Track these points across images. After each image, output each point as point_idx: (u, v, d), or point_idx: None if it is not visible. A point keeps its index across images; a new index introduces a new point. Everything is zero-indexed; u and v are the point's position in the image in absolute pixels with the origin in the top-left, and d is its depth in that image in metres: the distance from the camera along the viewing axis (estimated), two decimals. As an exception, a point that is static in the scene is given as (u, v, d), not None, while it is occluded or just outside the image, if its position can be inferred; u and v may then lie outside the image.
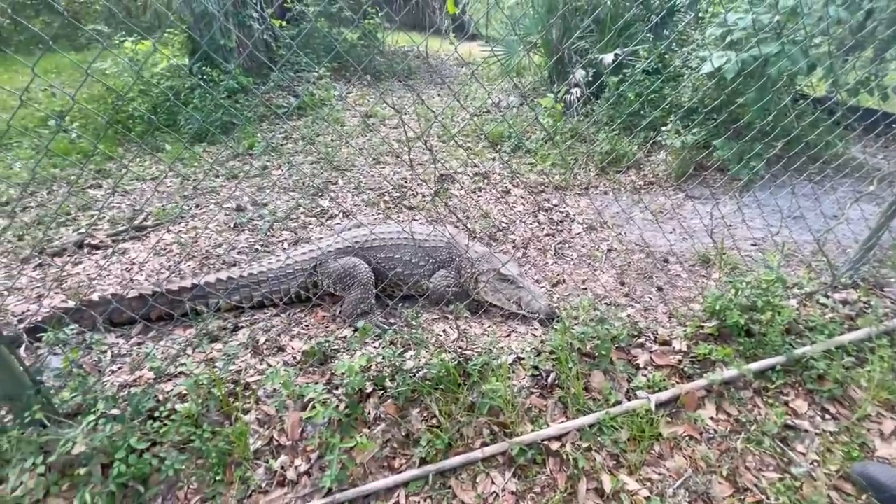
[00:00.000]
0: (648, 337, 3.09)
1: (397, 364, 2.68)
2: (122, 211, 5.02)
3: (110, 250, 4.26)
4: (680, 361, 2.90)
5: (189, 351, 3.07)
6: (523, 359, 2.88)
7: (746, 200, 5.46)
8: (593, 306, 3.54)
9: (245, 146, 6.72)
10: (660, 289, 3.96)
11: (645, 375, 2.79)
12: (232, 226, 4.74)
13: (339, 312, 3.49)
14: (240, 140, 6.88)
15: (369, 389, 2.60)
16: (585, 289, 3.99)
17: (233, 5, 8.07)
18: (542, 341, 3.12)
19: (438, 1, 17.33)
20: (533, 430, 2.47)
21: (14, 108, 6.64)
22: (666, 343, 3.03)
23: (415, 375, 2.67)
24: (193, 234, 4.59)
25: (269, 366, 2.89)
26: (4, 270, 3.92)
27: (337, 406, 2.44)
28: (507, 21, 10.82)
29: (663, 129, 6.05)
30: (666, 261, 4.43)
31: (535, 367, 2.80)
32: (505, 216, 5.19)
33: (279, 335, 3.25)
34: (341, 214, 5.09)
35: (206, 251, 4.31)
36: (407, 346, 2.98)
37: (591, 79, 7.74)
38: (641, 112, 6.74)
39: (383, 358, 2.63)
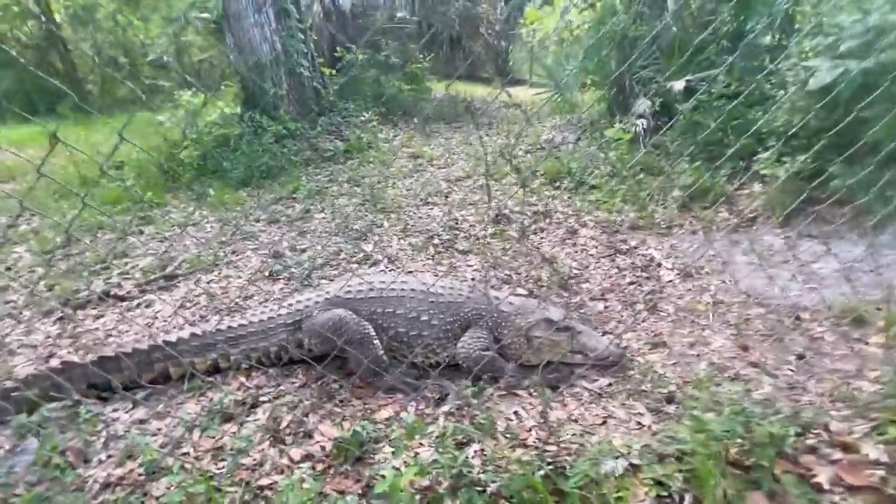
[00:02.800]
0: (819, 436, 2.14)
1: (459, 471, 1.90)
2: (158, 258, 4.70)
3: (135, 302, 3.86)
4: (884, 480, 1.92)
5: (196, 434, 2.44)
6: (638, 466, 2.01)
7: (884, 240, 4.36)
8: (712, 381, 2.64)
9: (289, 189, 6.46)
10: (800, 356, 2.97)
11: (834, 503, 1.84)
12: (267, 274, 4.27)
13: (354, 380, 2.81)
14: (284, 184, 6.65)
15: (422, 511, 1.83)
16: (697, 355, 3.07)
17: (284, 55, 8.20)
18: (655, 435, 2.24)
19: (485, 53, 17.67)
20: None
21: (83, 161, 6.84)
22: (848, 448, 2.06)
23: (485, 490, 1.88)
24: (225, 284, 4.14)
25: (292, 462, 2.20)
26: (24, 325, 3.58)
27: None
28: (555, 58, 10.47)
29: (760, 156, 5.14)
30: (798, 317, 3.43)
31: (660, 483, 1.92)
32: (574, 260, 4.40)
33: (306, 415, 2.57)
34: (386, 260, 4.51)
35: (236, 303, 3.82)
36: (466, 440, 2.21)
37: (657, 109, 7.03)
38: (725, 141, 5.87)
39: (441, 466, 1.86)
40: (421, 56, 10.80)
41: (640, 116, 7.09)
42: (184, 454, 2.30)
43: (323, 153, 7.76)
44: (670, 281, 4.03)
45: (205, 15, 10.69)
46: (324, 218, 5.58)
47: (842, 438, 2.08)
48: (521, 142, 8.55)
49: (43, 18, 15.95)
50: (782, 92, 5.57)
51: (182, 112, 8.52)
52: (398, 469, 1.83)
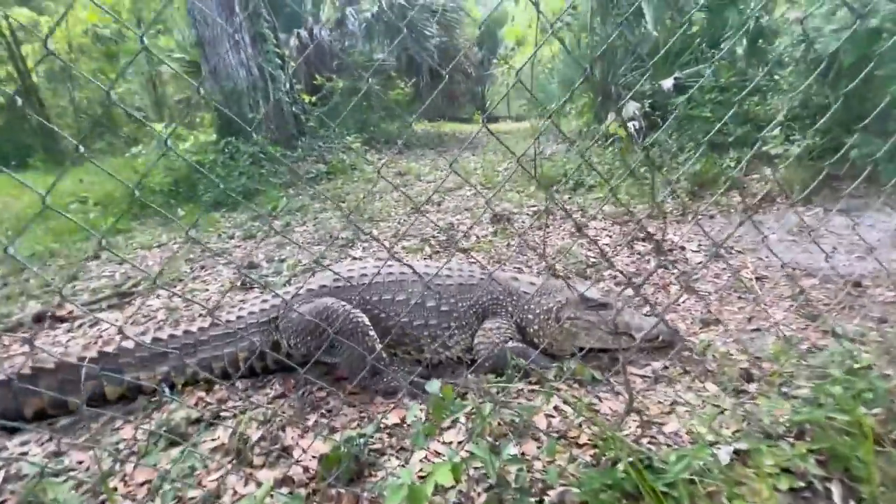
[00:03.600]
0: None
1: (502, 476, 1.30)
2: (113, 279, 4.08)
3: (77, 323, 3.21)
4: None
5: (131, 465, 1.79)
6: (746, 452, 1.45)
7: (918, 208, 4.02)
8: (792, 354, 2.14)
9: (269, 208, 5.95)
10: (883, 320, 2.49)
11: None
12: (239, 284, 3.67)
13: (350, 385, 2.21)
14: (263, 204, 6.16)
15: (454, 539, 1.22)
16: (757, 329, 2.55)
17: (262, 80, 7.95)
18: (744, 419, 1.68)
19: (464, 94, 18.08)
20: None
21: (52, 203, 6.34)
22: None
23: (542, 500, 1.29)
24: (189, 297, 3.52)
25: (251, 480, 1.56)
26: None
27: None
28: (537, 82, 10.52)
29: (768, 136, 4.88)
30: (858, 284, 2.97)
31: (789, 472, 1.35)
32: (590, 250, 3.93)
33: (283, 429, 1.94)
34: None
35: (200, 315, 3.20)
36: (497, 443, 1.61)
37: (648, 109, 6.88)
38: (724, 130, 5.66)
39: (478, 463, 1.25)
40: (402, 84, 10.75)
41: (631, 119, 6.93)
42: (111, 489, 1.64)
43: (304, 175, 7.34)
44: (699, 262, 3.57)
45: (179, 55, 10.55)
46: (305, 231, 5.06)
47: None
48: (504, 158, 8.32)
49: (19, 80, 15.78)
50: (777, 76, 5.42)
51: (154, 143, 8.10)
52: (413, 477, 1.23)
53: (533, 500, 1.24)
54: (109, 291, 3.65)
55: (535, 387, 2.17)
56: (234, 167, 6.94)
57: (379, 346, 2.24)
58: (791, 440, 1.48)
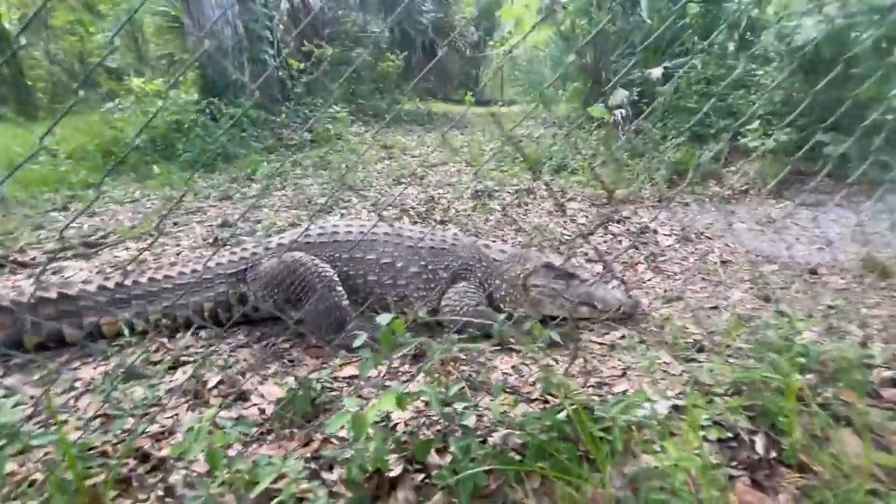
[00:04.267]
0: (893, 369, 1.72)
1: (452, 416, 1.35)
2: (81, 231, 3.98)
3: (40, 269, 3.14)
4: None
5: (86, 401, 1.79)
6: (684, 408, 1.52)
7: (880, 206, 4.17)
8: (743, 329, 2.23)
9: (247, 171, 5.85)
10: (830, 306, 2.60)
11: (944, 439, 1.39)
12: (211, 241, 3.63)
13: (311, 337, 2.24)
14: (242, 167, 6.04)
15: (396, 469, 1.26)
16: (715, 307, 2.65)
17: (248, 41, 7.71)
18: (696, 381, 1.76)
19: (458, 74, 17.81)
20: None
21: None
22: (935, 378, 1.65)
23: (485, 441, 1.34)
24: (159, 252, 3.47)
25: (216, 427, 1.58)
26: None
27: (326, 509, 1.10)
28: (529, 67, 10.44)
29: (747, 130, 4.97)
30: (814, 271, 3.10)
31: (719, 425, 1.43)
32: (566, 229, 3.99)
33: (242, 374, 1.96)
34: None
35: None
36: (461, 391, 1.66)
37: (636, 97, 6.92)
38: (707, 121, 5.75)
39: (424, 404, 1.29)
40: (393, 56, 10.54)
41: (618, 106, 6.96)
42: (62, 422, 1.64)
43: (287, 141, 7.20)
44: (669, 245, 3.66)
45: (163, 7, 10.12)
46: (284, 195, 5.00)
47: (923, 368, 1.67)
48: (492, 138, 8.30)
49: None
50: (762, 72, 5.49)
51: (132, 98, 7.82)
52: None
53: (477, 439, 1.29)
54: (76, 241, 3.57)
55: (497, 349, 2.22)
56: (214, 128, 6.77)
57: (345, 302, 2.26)
58: (727, 398, 1.56)
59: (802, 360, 1.56)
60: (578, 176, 5.65)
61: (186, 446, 1.13)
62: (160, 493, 1.26)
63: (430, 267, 2.47)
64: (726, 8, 6.67)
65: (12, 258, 3.18)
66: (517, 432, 1.35)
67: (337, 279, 2.28)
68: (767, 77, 5.29)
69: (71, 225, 4.13)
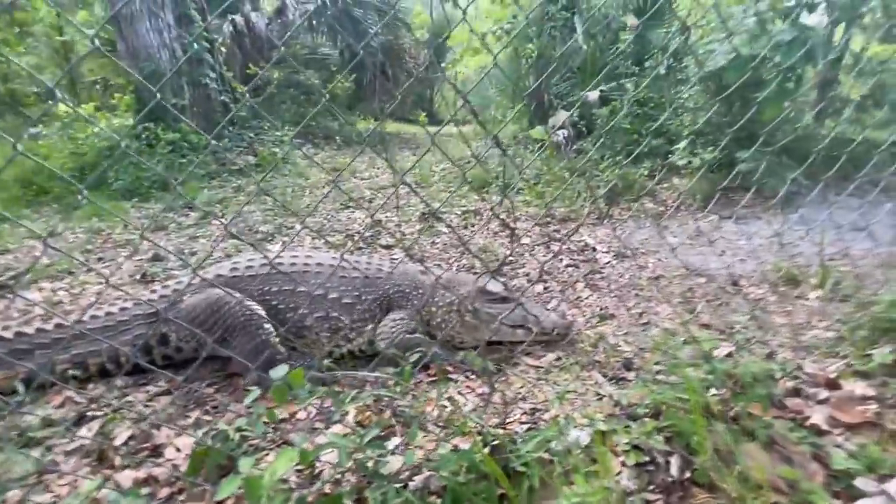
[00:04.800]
0: (797, 378, 1.83)
1: (370, 464, 1.30)
2: (-11, 271, 3.63)
3: (-67, 317, 2.83)
4: (879, 415, 1.62)
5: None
6: (606, 433, 1.55)
7: (794, 218, 4.54)
8: (671, 345, 2.32)
9: (187, 199, 5.58)
10: (752, 317, 2.77)
11: (840, 446, 1.49)
12: (138, 277, 3.41)
13: (243, 381, 2.14)
14: (180, 196, 5.77)
15: (308, 527, 1.19)
16: (647, 322, 2.76)
17: (187, 64, 7.47)
18: (618, 404, 1.81)
19: (409, 94, 18.03)
20: None
21: None
22: (833, 385, 1.77)
23: (406, 486, 1.30)
24: (78, 291, 3.22)
25: (119, 489, 1.45)
26: None
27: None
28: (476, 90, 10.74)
29: (676, 147, 5.31)
30: (735, 283, 3.29)
31: (637, 448, 1.46)
32: (508, 249, 4.06)
33: (157, 427, 1.82)
34: (296, 259, 3.84)
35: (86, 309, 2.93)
36: (384, 434, 1.62)
37: (576, 118, 7.25)
38: (640, 141, 6.09)
39: (342, 452, 1.23)
40: (343, 80, 10.53)
41: (561, 127, 7.25)
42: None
43: (230, 166, 6.97)
44: (608, 262, 3.80)
45: (93, 32, 9.65)
46: (222, 224, 4.80)
47: (823, 376, 1.79)
48: (442, 159, 8.41)
49: None
50: (686, 94, 5.91)
51: (58, 125, 7.35)
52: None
53: (396, 485, 1.25)
54: (-22, 284, 3.25)
55: (434, 378, 2.19)
56: (150, 154, 6.46)
57: (274, 339, 2.17)
58: (647, 420, 1.60)
59: (711, 377, 1.63)
60: (523, 195, 5.80)
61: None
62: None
63: (363, 297, 2.43)
64: (657, 34, 7.16)
65: None
66: (438, 475, 1.32)
67: (263, 315, 2.20)
68: (690, 100, 5.69)
69: (-23, 265, 3.78)
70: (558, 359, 2.38)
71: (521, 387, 2.11)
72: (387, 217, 5.07)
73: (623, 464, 1.41)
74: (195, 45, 7.48)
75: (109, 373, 2.18)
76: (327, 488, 1.25)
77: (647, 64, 7.26)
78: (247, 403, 1.16)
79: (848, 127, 6.09)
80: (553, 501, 1.26)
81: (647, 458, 1.43)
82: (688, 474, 1.39)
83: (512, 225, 4.74)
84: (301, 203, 5.49)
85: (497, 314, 2.41)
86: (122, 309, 2.26)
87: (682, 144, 5.21)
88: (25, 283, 3.37)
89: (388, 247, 4.09)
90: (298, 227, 4.70)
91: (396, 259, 3.16)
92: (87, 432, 1.76)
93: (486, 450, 1.25)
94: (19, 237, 4.52)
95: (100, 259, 3.87)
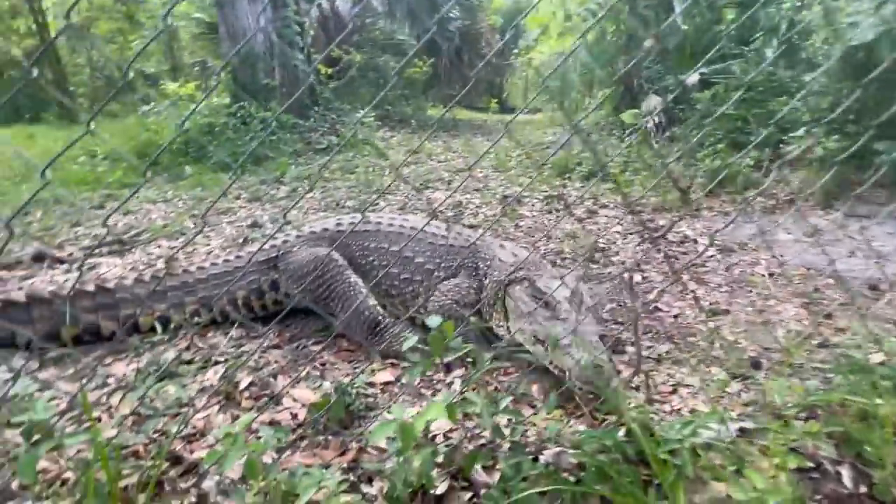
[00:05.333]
0: None
1: (500, 431, 1.25)
2: (116, 229, 4.05)
3: (76, 265, 3.19)
4: None
5: (118, 398, 1.76)
6: (752, 432, 1.38)
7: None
8: (803, 347, 2.07)
9: (276, 174, 5.90)
10: (899, 325, 2.40)
11: None
12: (241, 241, 3.63)
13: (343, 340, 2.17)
14: (271, 170, 6.10)
15: (442, 486, 1.17)
16: (767, 322, 2.48)
17: (279, 47, 7.84)
18: (761, 402, 1.62)
19: (482, 81, 17.80)
20: None
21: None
22: None
23: (536, 460, 1.23)
24: (190, 250, 3.49)
25: (249, 431, 1.52)
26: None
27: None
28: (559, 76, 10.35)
29: (794, 135, 4.76)
30: (874, 287, 2.88)
31: (797, 452, 1.29)
32: (599, 237, 3.85)
33: (274, 376, 1.90)
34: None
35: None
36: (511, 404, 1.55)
37: (670, 104, 6.74)
38: (746, 129, 5.53)
39: (475, 415, 1.18)
40: (421, 63, 10.59)
41: (651, 113, 6.79)
42: (95, 419, 1.61)
43: (315, 145, 7.27)
44: (712, 256, 3.48)
45: (198, 15, 10.44)
46: (312, 198, 5.00)
47: None
48: (518, 145, 8.19)
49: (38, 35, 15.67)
50: (807, 78, 5.25)
51: (166, 103, 8.05)
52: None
53: (528, 455, 1.19)
54: (111, 238, 3.62)
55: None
56: (245, 132, 6.89)
57: (372, 302, 2.20)
58: (801, 422, 1.41)
59: (887, 382, 1.41)
60: (610, 183, 5.49)
61: (222, 453, 1.06)
62: (193, 499, 1.19)
63: (443, 265, 2.37)
64: (767, 13, 6.44)
65: (50, 255, 3.24)
66: (570, 451, 1.25)
67: (360, 283, 2.23)
68: (815, 83, 5.05)
69: (106, 223, 4.22)
70: (668, 352, 2.20)
71: (627, 375, 1.97)
72: (467, 199, 5.02)
73: (778, 465, 1.25)
74: (288, 28, 7.82)
75: (228, 316, 2.33)
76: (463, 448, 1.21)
77: (754, 45, 6.56)
78: (406, 347, 1.12)
79: None
80: (704, 495, 1.13)
81: (810, 465, 1.25)
82: (864, 489, 1.20)
83: (592, 208, 4.50)
84: (382, 182, 5.58)
85: (528, 311, 1.95)
86: (238, 257, 2.43)
87: (800, 132, 4.65)
88: (146, 241, 3.71)
89: (471, 227, 4.04)
90: (383, 203, 4.79)
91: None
92: (213, 375, 1.88)
93: (638, 430, 1.15)
94: (137, 201, 5.01)
95: (207, 224, 4.17)
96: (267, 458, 1.33)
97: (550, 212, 4.49)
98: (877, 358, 1.92)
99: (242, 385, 1.82)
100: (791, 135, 4.83)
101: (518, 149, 7.88)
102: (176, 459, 1.39)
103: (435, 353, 1.09)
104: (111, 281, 2.28)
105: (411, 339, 1.23)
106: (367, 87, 9.84)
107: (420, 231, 2.43)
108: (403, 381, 1.69)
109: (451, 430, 1.48)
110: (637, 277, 3.13)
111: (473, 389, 1.65)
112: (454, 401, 1.03)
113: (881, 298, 2.75)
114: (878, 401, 1.43)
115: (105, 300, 2.20)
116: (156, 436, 1.52)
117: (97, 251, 3.42)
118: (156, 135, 6.96)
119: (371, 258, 2.35)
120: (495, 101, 17.42)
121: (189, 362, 1.98)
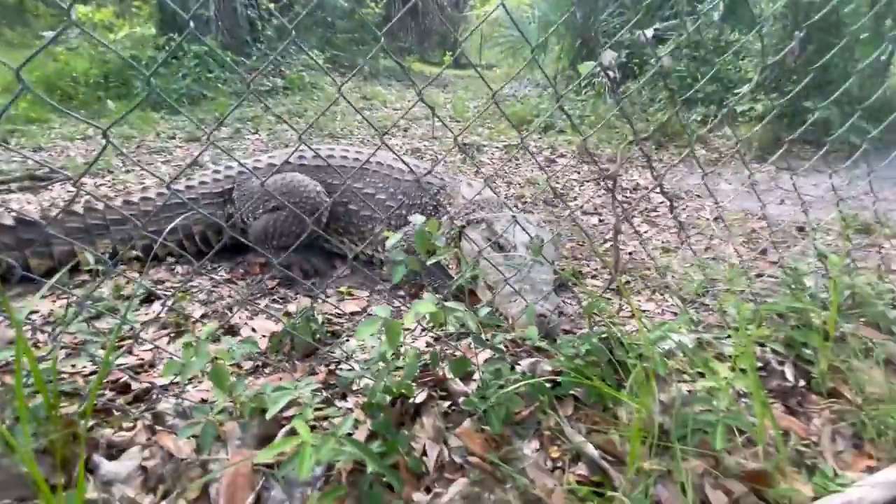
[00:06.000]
0: None
1: (482, 339, 1.23)
2: (25, 164, 3.54)
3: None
4: None
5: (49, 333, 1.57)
6: (707, 343, 1.48)
7: (858, 173, 4.30)
8: (744, 277, 2.23)
9: (215, 114, 5.39)
10: (823, 256, 2.65)
11: (959, 371, 1.41)
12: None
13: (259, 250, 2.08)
14: (209, 110, 5.57)
15: (421, 395, 1.15)
16: (714, 258, 2.65)
17: (213, -29, 6.99)
18: (700, 322, 1.74)
19: (436, 32, 16.99)
20: (817, 499, 1.03)
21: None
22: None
23: (513, 367, 1.24)
24: (122, 188, 3.14)
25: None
26: None
27: (346, 434, 0.97)
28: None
29: (735, 93, 4.98)
30: (801, 229, 3.15)
31: (747, 354, 1.39)
32: (558, 183, 3.90)
33: (230, 309, 1.78)
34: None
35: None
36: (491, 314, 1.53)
37: (624, 59, 6.81)
38: (693, 86, 5.74)
39: (454, 323, 1.14)
40: (373, 3, 9.91)
41: (607, 68, 6.83)
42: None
43: (258, 86, 6.68)
44: (661, 202, 3.65)
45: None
46: (258, 139, 4.64)
47: (930, 308, 1.69)
48: (475, 96, 8.03)
49: None
50: (749, 38, 5.47)
51: (76, 31, 7.00)
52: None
53: (507, 362, 1.19)
54: (21, 173, 3.17)
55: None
56: (177, 67, 6.18)
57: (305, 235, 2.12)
58: (752, 329, 1.53)
59: (824, 295, 1.54)
60: (567, 135, 5.54)
61: (182, 364, 0.96)
62: (147, 422, 1.09)
63: (407, 202, 2.30)
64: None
65: (-56, 188, 2.78)
66: (545, 361, 1.26)
67: (325, 211, 2.12)
68: (756, 41, 5.27)
69: (13, 159, 3.68)
70: (627, 282, 2.30)
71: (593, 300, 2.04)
72: (424, 146, 4.87)
73: (732, 368, 1.34)
74: (222, -50, 6.96)
75: (186, 251, 2.14)
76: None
77: (704, 5, 6.71)
78: (396, 280, 1.03)
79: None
80: (670, 394, 1.20)
81: (759, 364, 1.36)
82: (803, 383, 1.32)
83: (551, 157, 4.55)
84: (334, 126, 5.27)
85: (474, 251, 1.80)
86: (189, 187, 2.23)
87: (745, 89, 4.87)
88: (63, 179, 3.29)
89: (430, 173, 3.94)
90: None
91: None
92: (160, 308, 1.72)
93: (614, 333, 1.18)
94: (50, 137, 4.41)
95: (137, 162, 3.75)
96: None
97: (511, 160, 4.47)
98: (810, 281, 2.12)
99: (195, 317, 1.68)
100: (734, 92, 5.06)
101: (476, 100, 7.72)
102: (124, 387, 1.27)
103: (420, 249, 1.03)
104: (39, 213, 1.99)
105: (399, 272, 1.10)
106: (314, 26, 9.09)
107: (385, 167, 2.32)
108: (371, 309, 1.63)
109: (423, 352, 1.46)
110: (594, 220, 3.22)
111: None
112: (437, 304, 0.99)
113: (806, 238, 3.01)
114: (814, 311, 1.58)
115: (31, 235, 1.92)
116: (96, 368, 1.37)
117: (5, 188, 2.99)
118: (66, 66, 6.06)
119: (333, 193, 2.22)
120: (449, 54, 16.86)
121: (128, 297, 1.80)
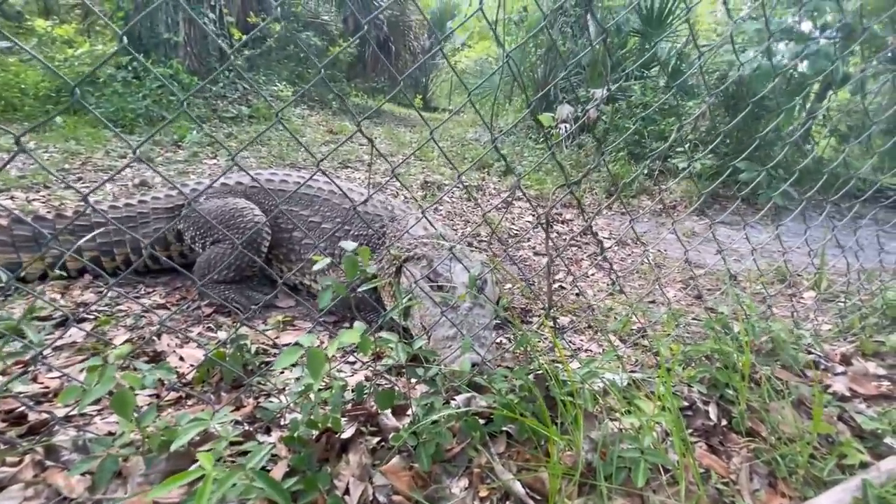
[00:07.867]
0: (812, 354, 1.87)
1: (410, 367, 1.22)
2: (-50, 176, 3.29)
3: None
4: (892, 390, 1.67)
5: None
6: (640, 383, 1.52)
7: (781, 230, 4.71)
8: (679, 320, 2.35)
9: (174, 137, 5.26)
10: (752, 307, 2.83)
11: (861, 412, 1.52)
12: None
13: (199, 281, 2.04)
14: (168, 133, 5.43)
15: (350, 430, 1.11)
16: (652, 302, 2.78)
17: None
18: (636, 362, 1.80)
19: (408, 76, 17.64)
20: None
21: None
22: (847, 362, 1.82)
23: (448, 402, 1.23)
24: (58, 205, 2.96)
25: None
26: None
27: (259, 468, 0.91)
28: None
29: (676, 152, 5.41)
30: (734, 277, 3.38)
31: (676, 395, 1.44)
32: (513, 224, 4.02)
33: (157, 336, 1.67)
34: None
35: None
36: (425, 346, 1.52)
37: (579, 115, 7.30)
38: (642, 142, 6.20)
39: (394, 356, 1.13)
40: (345, 48, 10.19)
41: (564, 121, 7.29)
42: None
43: (222, 112, 6.64)
44: (609, 247, 3.82)
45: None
46: (216, 164, 4.55)
47: (838, 352, 1.84)
48: (441, 137, 8.31)
49: None
50: (691, 103, 6.03)
51: (34, 41, 6.78)
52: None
53: (439, 396, 1.17)
54: (-58, 183, 2.93)
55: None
56: (138, 87, 6.06)
57: (253, 267, 2.08)
58: (687, 372, 1.59)
59: (747, 338, 1.64)
60: (524, 180, 5.78)
61: (83, 389, 0.89)
62: (38, 457, 0.98)
63: (353, 232, 2.25)
64: (661, 47, 7.30)
65: None
66: (480, 396, 1.26)
67: (264, 242, 2.09)
68: (694, 108, 5.81)
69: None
70: (571, 322, 2.36)
71: (538, 342, 2.07)
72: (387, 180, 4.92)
73: (663, 408, 1.39)
74: (197, -20, 7.06)
75: (131, 263, 2.03)
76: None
77: (652, 71, 7.40)
78: (322, 306, 1.00)
79: (833, 151, 6.38)
80: (599, 431, 1.21)
81: (685, 404, 1.41)
82: (725, 422, 1.38)
83: (511, 200, 4.71)
84: (296, 157, 5.26)
85: (420, 295, 1.81)
86: (141, 202, 2.16)
87: (684, 148, 5.32)
88: (-5, 191, 3.07)
89: (391, 206, 3.97)
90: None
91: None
92: (76, 332, 1.59)
93: (546, 369, 1.19)
94: (-14, 149, 4.13)
95: (79, 179, 3.58)
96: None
97: (470, 199, 4.59)
98: (735, 326, 2.26)
99: (117, 342, 1.57)
100: (676, 150, 5.50)
101: (441, 142, 7.97)
102: (19, 417, 1.14)
103: (349, 276, 1.01)
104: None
105: (326, 296, 1.07)
106: (285, 62, 9.23)
107: (337, 196, 2.32)
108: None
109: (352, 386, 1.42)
110: (544, 261, 3.32)
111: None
112: (368, 334, 0.97)
113: (738, 286, 3.22)
114: (736, 353, 1.67)
115: None
116: (-9, 396, 1.24)
117: (-80, 196, 2.75)
118: (15, 77, 5.81)
119: (279, 220, 2.18)
120: (420, 97, 17.52)
121: (45, 319, 1.66)
